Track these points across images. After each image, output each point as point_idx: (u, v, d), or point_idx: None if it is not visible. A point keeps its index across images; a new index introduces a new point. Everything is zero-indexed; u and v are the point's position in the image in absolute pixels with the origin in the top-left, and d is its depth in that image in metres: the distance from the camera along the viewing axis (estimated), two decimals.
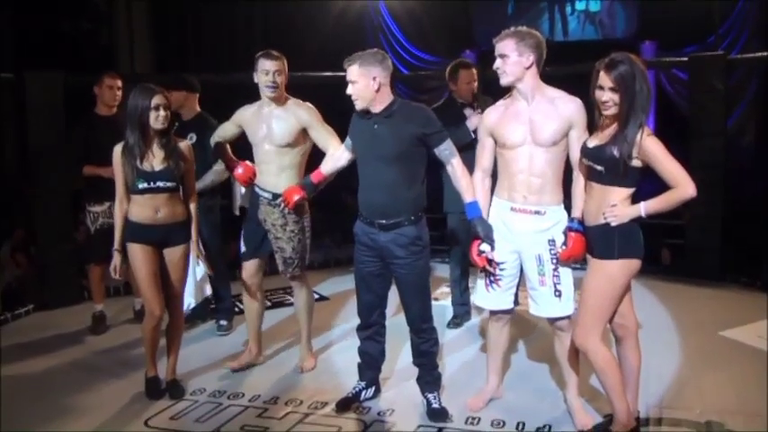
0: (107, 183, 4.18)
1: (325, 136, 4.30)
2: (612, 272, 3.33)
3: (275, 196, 4.30)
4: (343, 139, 4.10)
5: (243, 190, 4.78)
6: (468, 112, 5.18)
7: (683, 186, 3.21)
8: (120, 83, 5.49)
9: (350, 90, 3.72)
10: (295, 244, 4.38)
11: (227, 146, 4.63)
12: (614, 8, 10.01)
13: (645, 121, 3.22)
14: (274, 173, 4.34)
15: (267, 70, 4.22)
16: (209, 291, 5.06)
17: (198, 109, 5.35)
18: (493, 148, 3.74)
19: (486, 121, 3.74)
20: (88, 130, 5.40)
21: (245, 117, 4.44)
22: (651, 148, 3.21)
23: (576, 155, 3.58)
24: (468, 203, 3.74)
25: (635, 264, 3.34)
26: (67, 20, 8.40)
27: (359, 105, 3.75)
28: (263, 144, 4.35)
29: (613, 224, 3.28)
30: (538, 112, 3.58)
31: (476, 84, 5.31)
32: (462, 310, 5.52)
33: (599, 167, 3.29)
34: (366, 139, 3.77)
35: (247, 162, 4.55)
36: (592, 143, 3.37)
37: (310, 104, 4.38)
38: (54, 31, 8.14)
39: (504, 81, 3.59)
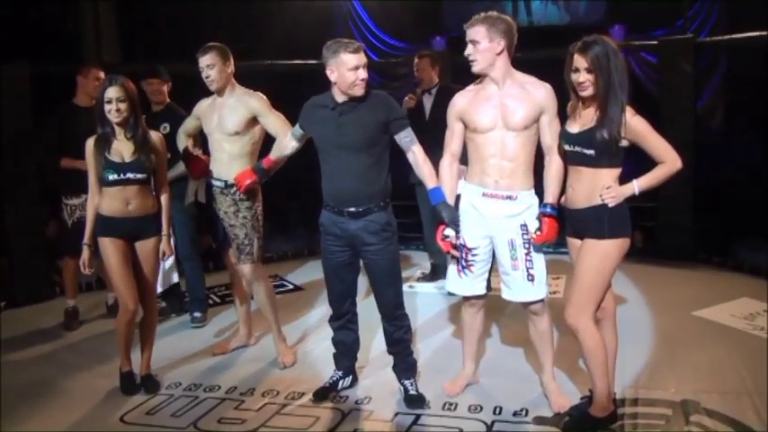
0: (84, 175, 4.13)
1: (275, 123, 4.31)
2: (606, 251, 3.35)
3: (227, 184, 4.34)
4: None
5: (192, 185, 4.76)
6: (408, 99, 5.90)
7: (671, 161, 3.29)
8: (102, 74, 5.39)
9: (364, 74, 3.62)
10: (248, 230, 4.39)
11: (189, 140, 4.69)
12: None
13: (626, 101, 3.25)
14: (226, 162, 4.37)
15: (201, 67, 4.30)
16: (175, 278, 5.04)
17: (167, 99, 5.32)
18: (462, 132, 3.73)
19: (456, 106, 3.73)
20: (65, 121, 5.31)
21: (201, 109, 4.52)
22: (638, 127, 3.26)
23: (547, 140, 3.60)
24: (432, 189, 3.73)
25: (626, 242, 3.39)
26: (32, 7, 8.25)
27: (363, 90, 3.67)
28: (214, 133, 4.41)
29: (611, 205, 3.30)
30: (509, 97, 3.58)
31: (425, 72, 5.94)
32: (442, 258, 5.67)
33: (589, 151, 3.30)
34: (330, 129, 3.73)
35: (200, 155, 4.60)
36: (574, 129, 3.38)
37: (261, 93, 4.39)
38: (18, 18, 7.98)
39: (475, 68, 3.58)
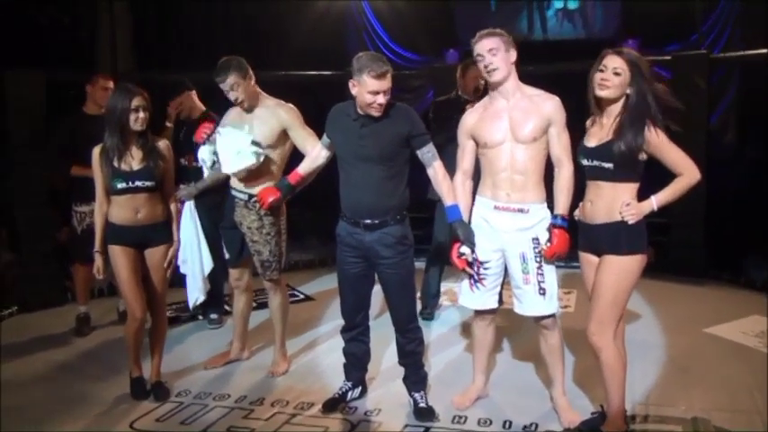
0: (94, 183, 4.16)
1: (304, 137, 4.26)
2: (624, 267, 3.34)
3: (251, 197, 4.27)
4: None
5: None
6: (469, 107, 5.26)
7: (689, 173, 3.27)
8: (112, 84, 5.40)
9: (382, 100, 3.59)
10: (272, 247, 4.35)
11: None
12: (593, 6, 10.00)
13: (650, 115, 3.24)
14: (252, 174, 4.27)
15: (224, 89, 4.20)
16: (208, 285, 5.08)
17: (202, 107, 5.37)
18: (473, 149, 3.75)
19: (466, 124, 3.75)
20: (76, 129, 5.33)
21: (230, 118, 4.41)
22: (657, 139, 3.25)
23: (556, 151, 3.62)
24: (449, 206, 3.74)
25: (644, 258, 3.37)
26: (47, 14, 8.29)
27: (379, 113, 3.65)
28: None
29: (631, 222, 3.29)
30: (517, 110, 3.60)
31: (482, 81, 5.32)
32: (434, 301, 5.56)
33: (607, 165, 3.30)
34: (351, 140, 3.73)
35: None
36: (592, 143, 3.38)
37: (292, 105, 4.33)
38: (33, 25, 8.03)
39: (497, 77, 3.58)
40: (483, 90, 5.44)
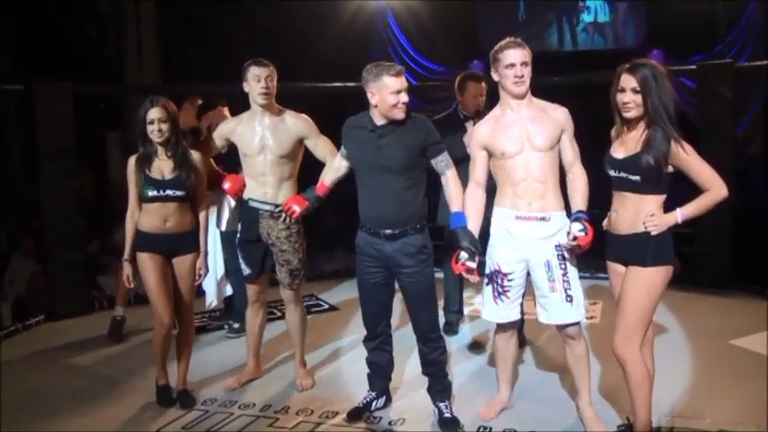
0: None
1: (323, 147, 4.30)
2: (650, 279, 3.31)
3: (277, 207, 4.25)
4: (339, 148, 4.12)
5: (232, 204, 4.75)
6: (469, 125, 5.15)
7: (715, 189, 3.24)
8: (199, 101, 5.57)
9: (405, 98, 3.66)
10: (300, 255, 4.36)
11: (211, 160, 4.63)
12: (623, 18, 10.01)
13: (673, 127, 3.23)
14: (274, 184, 4.27)
15: (259, 76, 4.16)
16: (229, 291, 5.09)
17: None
18: (486, 160, 3.75)
19: (479, 135, 3.75)
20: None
21: (234, 129, 4.35)
22: (684, 154, 3.23)
23: (568, 157, 3.67)
24: (454, 213, 3.74)
25: (669, 270, 3.34)
26: (74, 28, 8.42)
27: (404, 114, 3.70)
28: (259, 155, 4.26)
29: (654, 233, 3.27)
30: (530, 120, 3.64)
31: (483, 98, 5.22)
32: (456, 317, 5.53)
33: (634, 177, 3.29)
34: (369, 151, 3.76)
35: (234, 174, 4.54)
36: (619, 154, 3.37)
37: (306, 116, 4.34)
38: (60, 39, 8.15)
39: (523, 89, 3.62)
40: (479, 109, 5.23)
